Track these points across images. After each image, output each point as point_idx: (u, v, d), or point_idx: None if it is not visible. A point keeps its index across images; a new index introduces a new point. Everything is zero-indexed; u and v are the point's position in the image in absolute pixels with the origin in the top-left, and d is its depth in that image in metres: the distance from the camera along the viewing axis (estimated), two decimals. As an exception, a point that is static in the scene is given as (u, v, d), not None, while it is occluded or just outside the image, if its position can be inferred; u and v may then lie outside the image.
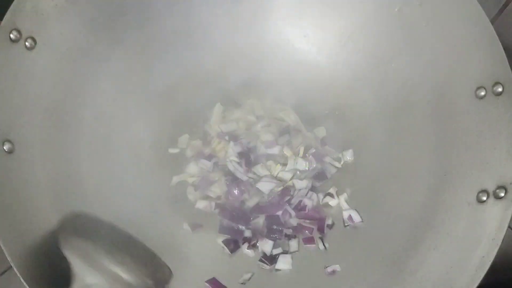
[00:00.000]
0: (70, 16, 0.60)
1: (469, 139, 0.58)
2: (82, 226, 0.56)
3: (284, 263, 0.63)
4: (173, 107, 0.71)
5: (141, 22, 0.67)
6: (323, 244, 0.64)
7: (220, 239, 0.64)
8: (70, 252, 0.49)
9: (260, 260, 0.63)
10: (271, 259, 0.63)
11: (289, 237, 0.65)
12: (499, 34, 0.56)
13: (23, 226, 0.52)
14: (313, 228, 0.65)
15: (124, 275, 0.49)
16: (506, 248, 0.55)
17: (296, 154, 0.68)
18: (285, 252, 0.64)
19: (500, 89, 0.55)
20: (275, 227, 0.64)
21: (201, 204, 0.66)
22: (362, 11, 0.68)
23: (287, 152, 0.68)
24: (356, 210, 0.66)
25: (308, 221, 0.65)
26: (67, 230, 0.53)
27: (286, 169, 0.68)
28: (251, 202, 0.66)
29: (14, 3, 0.55)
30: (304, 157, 0.68)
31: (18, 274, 0.50)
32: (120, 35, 0.66)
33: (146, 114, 0.70)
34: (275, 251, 0.64)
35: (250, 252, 0.64)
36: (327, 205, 0.67)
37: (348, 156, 0.69)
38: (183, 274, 0.61)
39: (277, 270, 0.63)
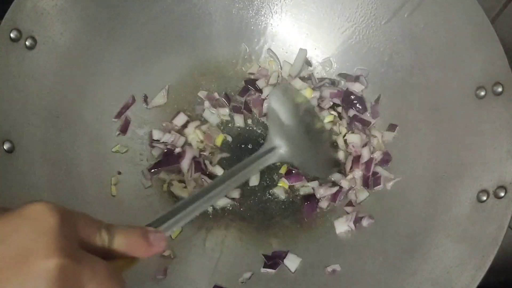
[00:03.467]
0: (70, 16, 0.60)
1: (469, 139, 0.58)
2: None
3: (291, 261, 0.63)
4: (172, 106, 0.71)
5: (141, 22, 0.67)
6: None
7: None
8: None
9: (265, 266, 0.63)
10: (274, 264, 0.63)
11: None
12: (499, 34, 0.56)
13: (23, 226, 0.52)
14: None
15: None
16: (506, 248, 0.55)
17: None
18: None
19: (500, 89, 0.55)
20: None
21: None
22: (361, 13, 0.68)
23: None
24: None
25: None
26: None
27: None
28: None
29: (14, 2, 0.55)
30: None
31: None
32: (120, 35, 0.66)
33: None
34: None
35: None
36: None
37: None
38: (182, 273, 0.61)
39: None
